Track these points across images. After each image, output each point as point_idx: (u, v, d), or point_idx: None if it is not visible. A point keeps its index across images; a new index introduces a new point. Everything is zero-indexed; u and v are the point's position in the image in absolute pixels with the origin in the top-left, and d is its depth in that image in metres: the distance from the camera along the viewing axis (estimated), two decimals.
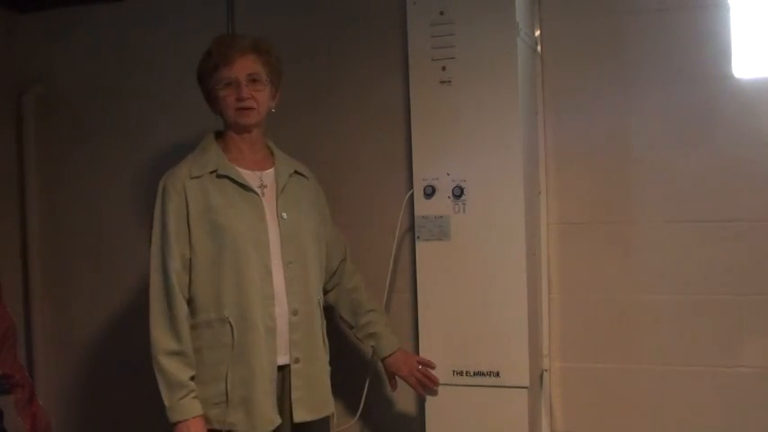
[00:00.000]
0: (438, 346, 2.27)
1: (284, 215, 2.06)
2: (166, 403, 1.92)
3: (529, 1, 2.35)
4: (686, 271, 2.33)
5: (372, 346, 2.30)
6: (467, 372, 2.24)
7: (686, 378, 2.34)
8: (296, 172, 2.16)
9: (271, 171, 2.11)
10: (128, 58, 2.87)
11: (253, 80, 2.04)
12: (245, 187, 2.03)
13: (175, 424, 1.91)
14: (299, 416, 2.04)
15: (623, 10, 2.37)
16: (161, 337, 1.94)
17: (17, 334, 2.02)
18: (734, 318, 2.29)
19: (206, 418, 1.95)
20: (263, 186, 2.07)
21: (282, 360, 2.02)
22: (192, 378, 1.95)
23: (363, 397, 2.39)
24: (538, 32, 2.43)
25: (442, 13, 2.23)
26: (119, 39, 2.88)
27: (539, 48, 2.44)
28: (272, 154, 2.16)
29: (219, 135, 2.12)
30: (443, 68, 2.24)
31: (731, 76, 2.28)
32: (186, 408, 1.91)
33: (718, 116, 2.30)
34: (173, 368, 1.92)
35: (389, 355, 2.28)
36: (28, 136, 2.97)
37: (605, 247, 2.41)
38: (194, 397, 1.93)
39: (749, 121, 2.27)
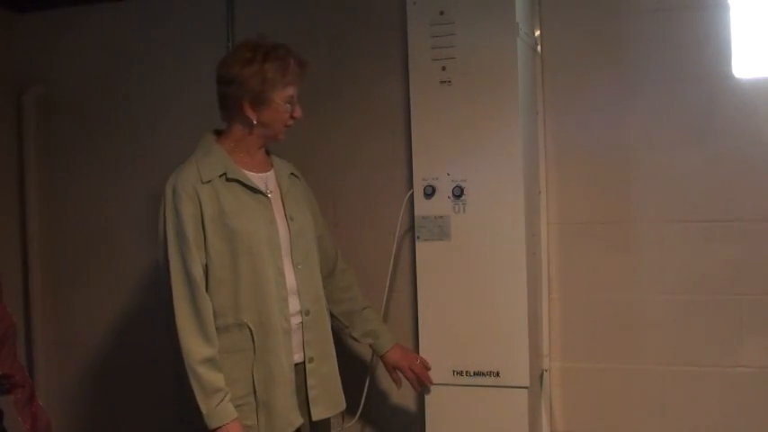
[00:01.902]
0: (438, 346, 2.27)
1: (292, 216, 2.06)
2: (204, 411, 1.87)
3: (529, 1, 2.35)
4: (686, 271, 2.33)
5: (371, 344, 2.29)
6: (467, 372, 2.24)
7: (686, 378, 2.34)
8: (291, 173, 2.16)
9: (271, 173, 2.11)
10: (128, 59, 2.87)
11: None
12: (254, 190, 2.02)
13: (214, 430, 1.88)
14: (318, 413, 2.04)
15: (623, 10, 2.37)
16: (193, 345, 1.89)
17: (17, 334, 2.01)
18: (734, 318, 2.29)
19: None
20: (268, 189, 2.06)
21: (296, 360, 2.02)
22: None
23: (363, 397, 2.39)
24: (538, 32, 2.43)
25: (442, 13, 2.23)
26: (119, 39, 2.88)
27: (539, 48, 2.44)
28: (268, 156, 2.15)
29: (217, 134, 2.08)
30: (443, 68, 2.24)
31: (731, 76, 2.28)
32: (223, 413, 1.88)
33: (718, 116, 2.30)
34: (209, 375, 1.88)
35: (388, 351, 2.28)
36: (28, 136, 2.97)
37: (605, 247, 2.42)
38: (229, 400, 1.91)
39: (749, 121, 2.27)
